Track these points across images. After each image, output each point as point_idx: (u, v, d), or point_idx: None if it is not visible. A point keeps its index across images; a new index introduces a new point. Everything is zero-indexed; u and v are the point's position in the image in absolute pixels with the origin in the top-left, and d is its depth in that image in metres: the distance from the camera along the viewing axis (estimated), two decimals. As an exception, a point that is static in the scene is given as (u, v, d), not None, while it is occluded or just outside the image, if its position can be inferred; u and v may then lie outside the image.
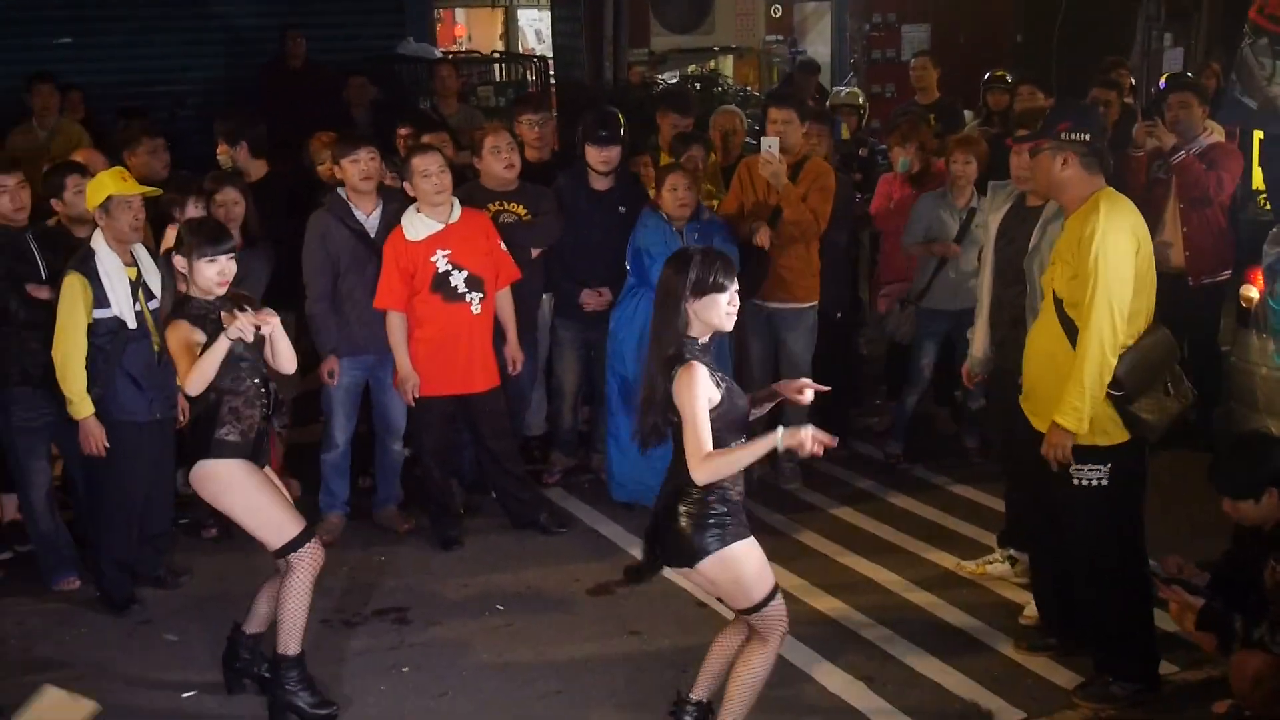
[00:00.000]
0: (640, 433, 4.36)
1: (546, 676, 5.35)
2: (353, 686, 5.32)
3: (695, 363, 4.16)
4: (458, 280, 6.39)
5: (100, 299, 5.68)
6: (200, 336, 4.85)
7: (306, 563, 4.94)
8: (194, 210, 6.36)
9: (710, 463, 4.11)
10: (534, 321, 7.23)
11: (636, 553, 4.48)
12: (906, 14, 15.69)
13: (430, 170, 6.33)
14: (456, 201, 6.48)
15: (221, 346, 4.77)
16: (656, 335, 4.30)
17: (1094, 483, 4.82)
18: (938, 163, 7.79)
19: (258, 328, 4.83)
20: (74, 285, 5.66)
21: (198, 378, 4.76)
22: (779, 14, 15.96)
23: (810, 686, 5.22)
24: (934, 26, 15.46)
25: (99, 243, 5.74)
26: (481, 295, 6.46)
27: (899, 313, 7.72)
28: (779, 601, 4.36)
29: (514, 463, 6.82)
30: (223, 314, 4.87)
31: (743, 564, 4.27)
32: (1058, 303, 4.84)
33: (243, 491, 4.94)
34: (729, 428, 4.21)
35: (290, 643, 4.99)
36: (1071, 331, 4.76)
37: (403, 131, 7.85)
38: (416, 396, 6.47)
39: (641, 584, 4.85)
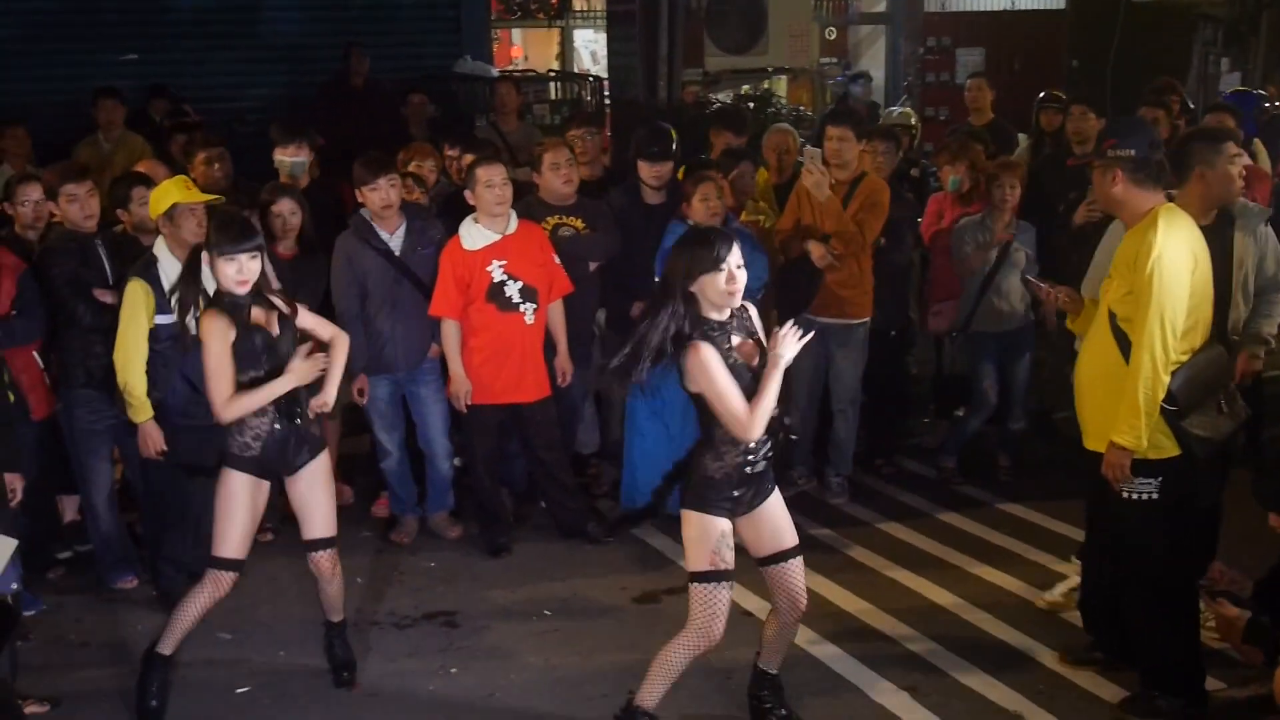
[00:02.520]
0: (603, 384, 4.65)
1: (593, 681, 5.41)
2: (402, 686, 5.42)
3: (700, 343, 4.37)
4: (512, 290, 6.49)
5: (162, 305, 5.79)
6: (233, 331, 4.85)
7: (209, 582, 5.05)
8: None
9: (753, 419, 4.38)
10: (589, 335, 7.31)
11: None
12: (961, 38, 15.69)
13: (494, 181, 6.43)
14: (514, 214, 6.58)
15: (280, 387, 4.90)
16: (653, 309, 4.46)
17: (1145, 496, 4.83)
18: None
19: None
20: (136, 291, 5.80)
21: (238, 409, 4.87)
22: (833, 36, 16.02)
23: (854, 696, 5.26)
24: (988, 51, 15.46)
25: (161, 250, 5.88)
26: (535, 306, 6.55)
27: (950, 344, 7.74)
28: (711, 592, 4.52)
29: (564, 472, 6.90)
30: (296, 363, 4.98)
31: (686, 528, 4.60)
32: (1111, 317, 4.85)
33: (219, 500, 5.03)
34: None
35: (166, 643, 5.12)
36: (1125, 346, 4.77)
37: (451, 152, 7.94)
38: (469, 404, 6.57)
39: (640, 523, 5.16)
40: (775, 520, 4.69)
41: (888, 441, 7.99)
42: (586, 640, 5.79)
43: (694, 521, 4.56)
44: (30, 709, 5.12)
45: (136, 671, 5.51)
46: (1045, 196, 7.88)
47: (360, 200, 6.68)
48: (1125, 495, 4.85)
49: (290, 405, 5.01)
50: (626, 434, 6.98)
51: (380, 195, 6.57)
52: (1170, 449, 4.80)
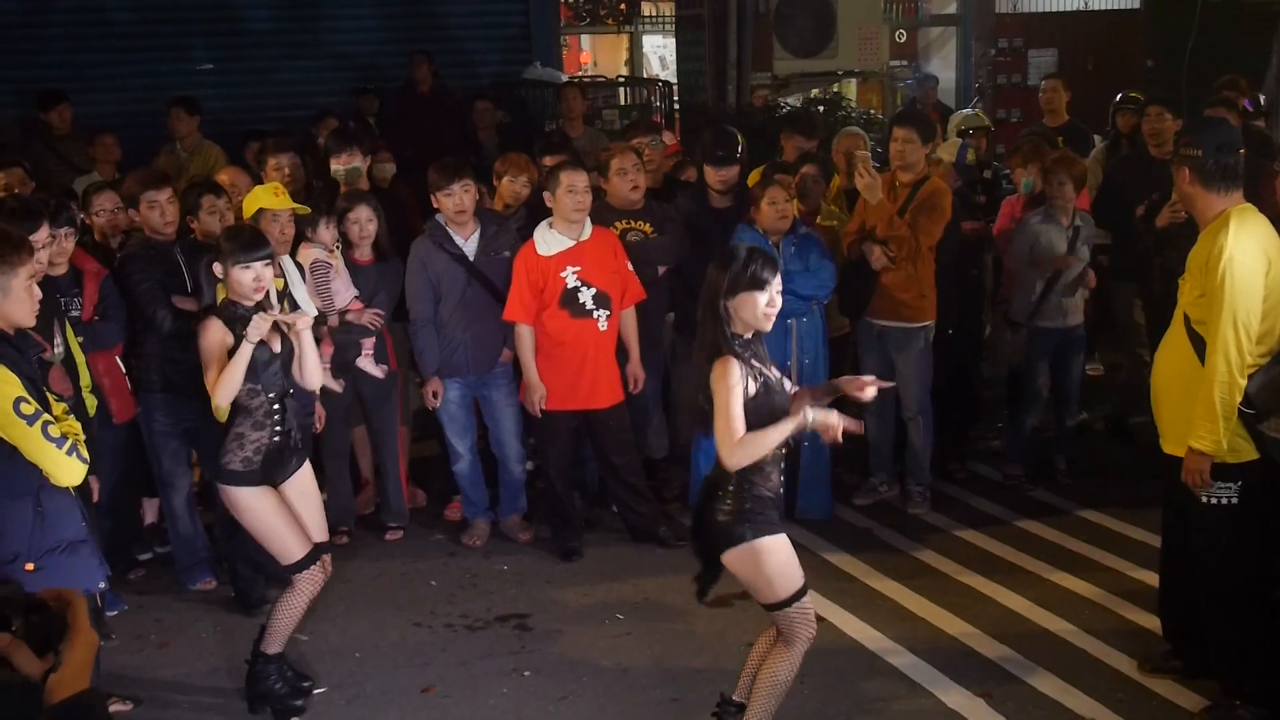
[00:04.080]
0: (685, 426, 4.48)
1: (663, 685, 5.41)
2: (475, 689, 5.44)
3: (730, 357, 4.24)
4: (586, 297, 6.50)
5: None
6: (231, 339, 4.95)
7: (305, 584, 5.15)
8: (325, 229, 6.58)
9: (741, 447, 4.19)
10: (658, 340, 7.31)
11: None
12: (1033, 39, 15.52)
13: (578, 186, 6.44)
14: (589, 221, 6.59)
15: (244, 353, 4.90)
16: (700, 332, 4.39)
17: (1224, 501, 4.75)
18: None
19: (286, 328, 5.03)
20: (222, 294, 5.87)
21: (225, 388, 4.92)
22: (903, 39, 15.89)
23: (928, 701, 5.21)
24: (1061, 52, 15.29)
25: (247, 254, 5.95)
26: (608, 313, 6.56)
27: (1012, 337, 7.66)
28: (806, 604, 4.43)
29: (635, 477, 6.90)
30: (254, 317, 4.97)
31: (769, 557, 4.35)
32: (1186, 320, 4.79)
33: (253, 517, 5.10)
34: (761, 423, 4.26)
35: (273, 644, 5.23)
36: (1201, 349, 4.71)
37: (549, 162, 7.92)
38: (542, 409, 6.60)
39: (706, 594, 4.65)
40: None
41: (960, 445, 7.92)
42: (658, 643, 5.79)
43: (770, 549, 4.34)
44: (114, 707, 5.22)
45: (214, 670, 5.64)
46: (1123, 198, 7.79)
47: (435, 205, 6.73)
48: (1205, 500, 4.78)
49: (286, 415, 5.12)
50: (695, 438, 6.98)
51: (454, 200, 6.62)
52: (1249, 453, 4.72)
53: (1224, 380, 4.61)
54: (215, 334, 4.97)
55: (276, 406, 5.09)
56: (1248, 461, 4.72)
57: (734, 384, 4.21)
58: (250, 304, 5.02)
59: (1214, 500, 4.77)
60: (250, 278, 4.99)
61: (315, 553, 5.17)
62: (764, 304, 4.31)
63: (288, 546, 5.10)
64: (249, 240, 5.07)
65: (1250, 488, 4.74)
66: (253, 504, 5.08)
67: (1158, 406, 5.02)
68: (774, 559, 4.36)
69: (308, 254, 6.54)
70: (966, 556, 6.64)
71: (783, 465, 4.46)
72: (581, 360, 6.56)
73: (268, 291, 5.11)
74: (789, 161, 7.89)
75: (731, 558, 4.39)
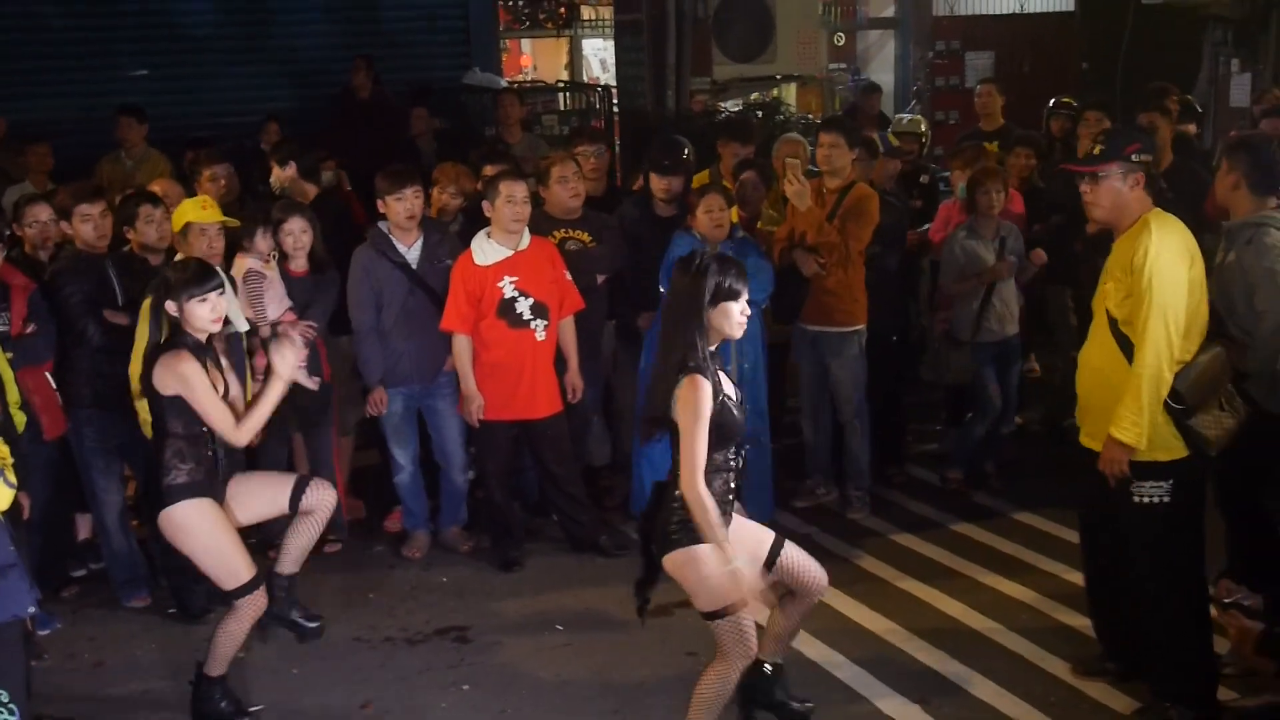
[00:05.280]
0: (643, 432, 4.64)
1: (605, 696, 5.41)
2: (414, 703, 5.42)
3: (699, 376, 4.31)
4: (523, 307, 6.49)
5: (177, 322, 5.82)
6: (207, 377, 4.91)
7: (248, 609, 5.07)
8: (262, 239, 6.53)
9: (696, 496, 4.30)
10: (597, 348, 7.30)
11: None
12: (970, 42, 15.68)
13: (517, 197, 6.41)
14: (527, 231, 6.58)
15: (276, 390, 4.92)
16: (668, 340, 4.45)
17: (1156, 499, 4.80)
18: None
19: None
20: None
21: (249, 428, 4.94)
22: (842, 42, 15.99)
23: (864, 708, 5.25)
24: (998, 55, 15.45)
25: (178, 268, 5.89)
26: (546, 323, 6.55)
27: (955, 354, 7.70)
28: (742, 621, 4.45)
29: (575, 486, 6.89)
30: (271, 350, 4.99)
31: (705, 565, 4.40)
32: (1112, 321, 4.85)
33: (198, 535, 4.98)
34: (718, 439, 4.36)
35: (216, 667, 5.16)
36: (1127, 349, 4.77)
37: (489, 171, 7.88)
38: (480, 419, 6.58)
39: (646, 606, 4.68)
40: (750, 529, 4.68)
41: (897, 449, 7.97)
42: (598, 654, 5.79)
43: (703, 557, 4.39)
44: (45, 729, 5.17)
45: (149, 689, 5.57)
46: (1056, 202, 7.88)
47: (381, 211, 6.68)
48: (1135, 499, 4.83)
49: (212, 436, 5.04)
50: (635, 444, 6.98)
51: (405, 205, 6.58)
52: (1178, 450, 4.78)
53: (1154, 375, 4.67)
54: (195, 368, 4.86)
55: (204, 429, 5.01)
56: (1178, 460, 4.78)
57: (703, 408, 4.29)
58: (204, 335, 4.97)
59: (1146, 499, 4.81)
60: (207, 310, 4.94)
61: (261, 576, 5.09)
62: (738, 313, 4.43)
63: (235, 567, 5.00)
64: (197, 272, 5.00)
65: (1181, 486, 4.80)
66: (200, 518, 4.96)
67: (1083, 406, 5.07)
68: (698, 570, 4.42)
69: (242, 264, 6.49)
70: (904, 561, 6.69)
71: (733, 477, 4.52)
72: (519, 370, 6.55)
73: (225, 319, 5.09)
74: (724, 168, 7.92)
75: (669, 562, 4.47)
